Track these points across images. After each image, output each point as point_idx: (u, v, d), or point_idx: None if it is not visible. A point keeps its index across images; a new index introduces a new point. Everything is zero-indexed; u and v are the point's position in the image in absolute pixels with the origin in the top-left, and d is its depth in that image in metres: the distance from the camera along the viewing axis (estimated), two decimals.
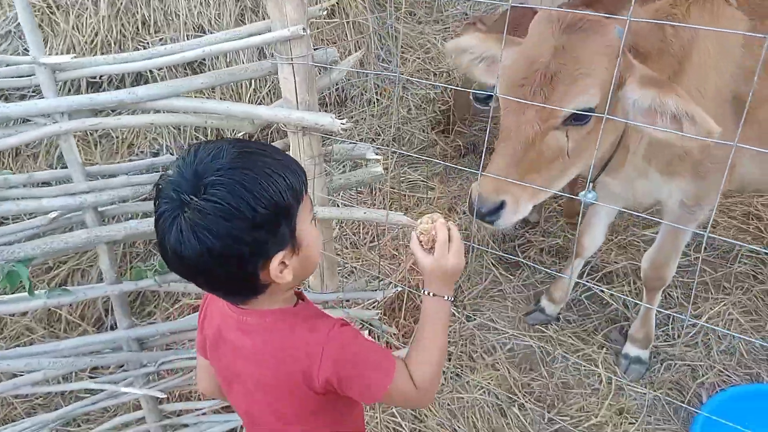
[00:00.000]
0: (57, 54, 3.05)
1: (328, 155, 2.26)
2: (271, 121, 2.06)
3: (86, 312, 3.26)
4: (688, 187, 2.40)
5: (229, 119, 2.10)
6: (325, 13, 2.09)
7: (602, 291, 3.24)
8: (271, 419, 1.35)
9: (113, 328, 3.27)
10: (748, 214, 3.83)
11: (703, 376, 2.95)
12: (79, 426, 2.96)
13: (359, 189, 3.45)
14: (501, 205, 1.91)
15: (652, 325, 2.96)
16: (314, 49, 2.04)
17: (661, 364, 3.01)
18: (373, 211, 2.19)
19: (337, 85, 3.64)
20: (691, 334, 3.15)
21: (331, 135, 2.03)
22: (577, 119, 1.87)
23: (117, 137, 3.09)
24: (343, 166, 3.40)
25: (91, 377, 2.88)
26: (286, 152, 1.29)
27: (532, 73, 1.85)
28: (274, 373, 1.28)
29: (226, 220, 1.08)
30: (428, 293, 1.38)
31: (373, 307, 2.53)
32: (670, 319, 3.21)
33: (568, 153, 1.92)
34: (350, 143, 2.28)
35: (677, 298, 3.34)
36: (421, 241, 1.37)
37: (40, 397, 3.07)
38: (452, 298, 1.41)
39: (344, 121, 1.97)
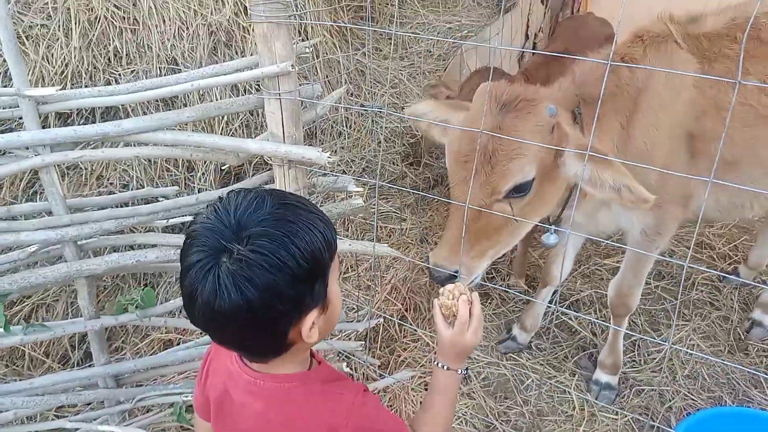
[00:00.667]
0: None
1: (311, 188, 2.28)
2: (258, 154, 2.08)
3: (50, 349, 3.14)
4: (647, 217, 2.53)
5: (215, 152, 2.11)
6: (311, 50, 2.14)
7: (573, 318, 3.33)
8: None
9: (79, 364, 3.17)
10: (701, 243, 4.02)
11: (670, 400, 3.05)
12: None
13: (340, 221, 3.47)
14: (455, 273, 2.08)
15: (620, 351, 3.05)
16: (301, 85, 2.08)
17: (630, 390, 3.10)
18: (358, 242, 2.22)
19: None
20: (656, 360, 3.25)
21: (318, 168, 2.06)
22: (517, 191, 2.05)
23: (85, 168, 3.03)
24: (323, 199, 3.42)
25: (56, 416, 2.78)
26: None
27: (473, 151, 2.00)
28: None
29: (271, 273, 1.05)
30: (442, 366, 1.43)
31: (356, 338, 2.54)
32: (636, 346, 3.32)
33: (516, 219, 2.09)
34: (333, 176, 2.32)
35: (641, 324, 3.46)
36: (443, 314, 1.42)
37: None
38: (464, 372, 1.46)
39: (329, 154, 2.01)
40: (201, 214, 1.13)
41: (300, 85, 2.06)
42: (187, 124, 3.19)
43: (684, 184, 2.48)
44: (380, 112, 3.52)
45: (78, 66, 2.93)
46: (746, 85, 2.39)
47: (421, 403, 2.95)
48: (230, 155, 2.14)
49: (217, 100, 3.13)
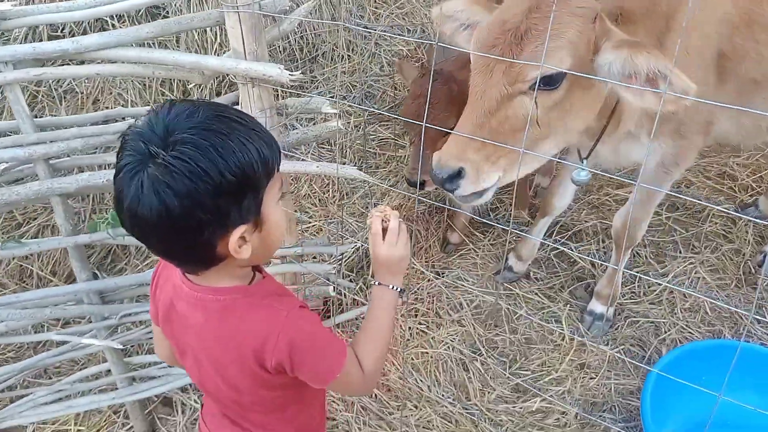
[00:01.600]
0: None
1: (281, 109, 2.23)
2: (218, 71, 2.04)
3: (57, 268, 3.27)
4: (668, 147, 2.38)
5: (177, 70, 2.08)
6: None
7: (570, 250, 3.25)
8: (224, 388, 1.34)
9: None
10: (723, 173, 3.81)
11: (665, 333, 2.98)
12: (50, 377, 3.01)
13: (328, 147, 3.43)
14: (459, 173, 1.80)
15: (619, 283, 2.98)
16: None
17: (625, 321, 3.04)
18: (325, 164, 2.18)
19: (306, 40, 3.59)
20: (656, 292, 3.16)
21: (283, 87, 2.01)
22: (545, 83, 1.75)
23: (81, 93, 3.05)
24: (313, 123, 3.38)
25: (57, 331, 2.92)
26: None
27: (503, 34, 1.75)
28: (224, 351, 1.27)
29: (191, 180, 1.04)
30: (377, 283, 1.43)
31: (332, 262, 2.54)
32: (636, 277, 3.23)
33: (538, 122, 1.80)
34: (307, 97, 2.26)
35: (646, 256, 3.35)
36: (384, 224, 1.41)
37: (12, 350, 3.11)
38: (399, 289, 1.44)
39: (294, 72, 1.95)
40: (138, 119, 1.13)
41: None
42: (178, 45, 3.17)
43: (708, 110, 2.28)
44: (383, 33, 3.40)
45: None
46: None
47: (409, 328, 2.99)
48: (194, 73, 2.09)
49: None
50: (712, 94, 2.24)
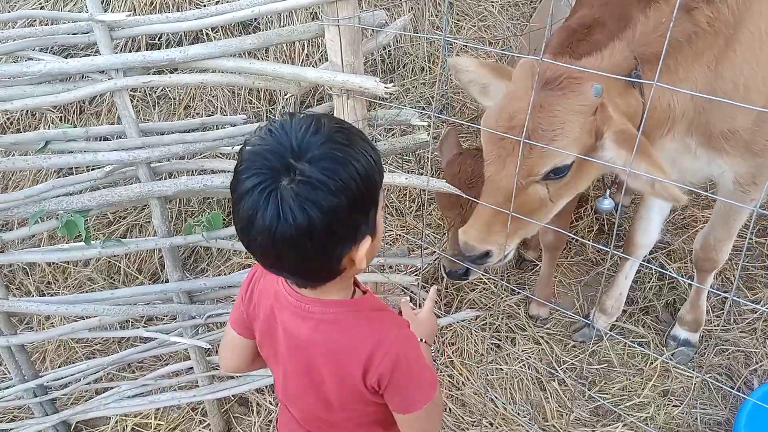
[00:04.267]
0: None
1: (372, 120, 2.26)
2: (316, 83, 2.07)
3: (143, 266, 3.41)
4: (740, 165, 2.27)
5: (276, 80, 2.13)
6: None
7: (668, 272, 3.14)
8: (313, 402, 1.34)
9: (168, 281, 3.42)
10: None
11: (757, 363, 2.83)
12: (133, 372, 3.12)
13: (406, 158, 3.44)
14: (487, 253, 2.06)
15: (703, 308, 2.85)
16: (362, 11, 2.03)
17: (713, 349, 2.91)
18: (414, 176, 2.18)
19: (388, 51, 3.62)
20: (748, 321, 3.02)
21: (376, 99, 2.03)
22: (555, 174, 1.94)
23: (174, 99, 3.18)
24: (392, 134, 3.40)
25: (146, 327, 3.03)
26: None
27: (511, 129, 1.91)
28: (327, 363, 1.26)
29: (335, 195, 1.03)
30: (422, 340, 1.47)
31: (414, 273, 2.54)
32: (727, 303, 3.09)
33: (550, 198, 2.01)
34: (396, 108, 2.27)
35: (735, 281, 3.20)
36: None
37: (99, 343, 3.25)
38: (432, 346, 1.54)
39: (389, 84, 1.97)
40: (253, 138, 1.11)
41: (361, 10, 2.01)
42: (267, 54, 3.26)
43: None
44: (464, 45, 3.39)
45: None
46: None
47: (482, 342, 2.95)
48: (291, 83, 2.14)
49: None
50: None
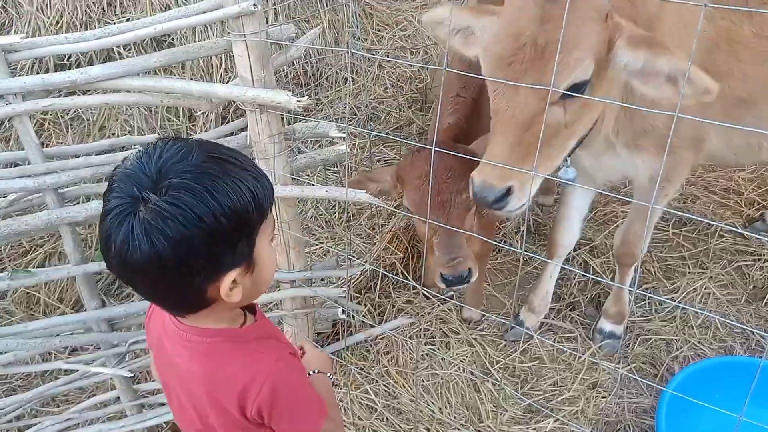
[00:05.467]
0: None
1: (289, 134, 2.24)
2: (227, 99, 2.05)
3: (64, 294, 3.26)
4: (656, 162, 2.38)
5: (185, 98, 2.09)
6: None
7: (588, 276, 3.24)
8: (202, 430, 1.31)
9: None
10: (729, 189, 3.81)
11: (677, 350, 2.95)
12: (58, 406, 2.98)
13: (334, 169, 3.43)
14: (508, 191, 1.83)
15: (626, 300, 2.96)
16: (271, 26, 2.02)
17: (636, 339, 3.02)
18: (335, 189, 2.18)
19: (310, 63, 3.61)
20: (668, 309, 3.14)
21: (290, 113, 2.02)
22: (574, 91, 1.78)
23: (87, 120, 3.07)
24: (319, 145, 3.39)
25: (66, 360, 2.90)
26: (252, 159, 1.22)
27: (520, 49, 1.74)
28: (206, 393, 1.23)
29: (185, 227, 1.00)
30: (316, 371, 1.48)
31: (341, 285, 2.53)
32: (647, 295, 3.21)
33: (566, 125, 1.86)
34: (314, 121, 2.27)
35: (655, 273, 3.33)
36: None
37: (20, 378, 3.09)
38: (331, 377, 1.54)
39: (302, 98, 1.96)
40: (127, 160, 1.08)
41: (270, 25, 2.00)
42: (183, 71, 3.20)
43: (696, 126, 2.28)
44: (385, 59, 3.41)
45: (72, 16, 2.94)
46: (763, 15, 2.19)
47: (416, 348, 2.97)
48: (202, 101, 2.11)
49: None
50: (699, 110, 2.25)
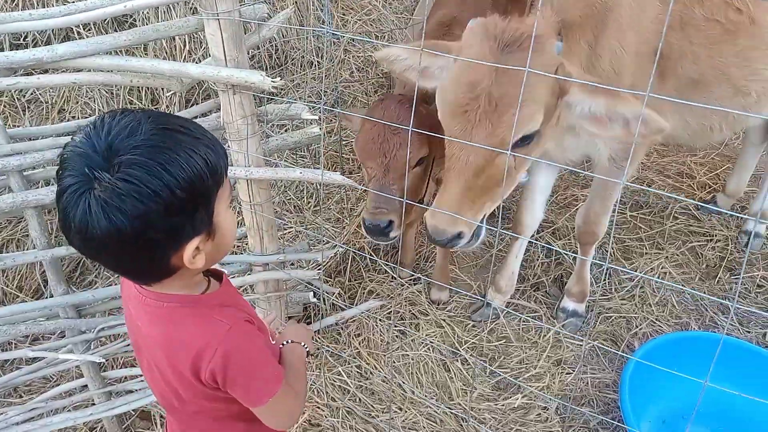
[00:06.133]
0: None
1: (262, 115, 2.23)
2: (199, 79, 2.02)
3: (23, 283, 3.17)
4: (614, 143, 2.46)
5: (156, 78, 2.05)
6: None
7: (551, 249, 3.32)
8: (169, 395, 1.34)
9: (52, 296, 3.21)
10: (682, 173, 3.97)
11: (637, 327, 3.07)
12: (20, 396, 2.91)
13: (302, 153, 3.42)
14: (459, 235, 1.95)
15: (587, 279, 3.06)
16: (242, 5, 2.00)
17: (598, 317, 3.13)
18: (309, 170, 2.18)
19: (274, 46, 3.58)
20: (627, 288, 3.26)
21: (263, 94, 2.01)
22: (524, 141, 1.89)
23: (46, 102, 2.97)
24: (285, 129, 3.36)
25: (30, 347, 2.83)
26: (209, 128, 1.23)
27: (474, 99, 1.80)
28: (165, 357, 1.26)
29: (142, 203, 1.02)
30: (289, 341, 1.53)
31: (315, 268, 2.54)
32: (606, 274, 3.32)
33: (515, 167, 1.98)
34: (286, 103, 2.26)
35: (613, 254, 3.45)
36: None
37: None
38: (307, 348, 1.56)
39: (276, 79, 1.95)
40: (75, 136, 1.08)
41: (241, 4, 1.98)
42: (146, 52, 3.12)
43: (652, 107, 2.39)
44: (351, 40, 3.41)
45: None
46: None
47: (387, 330, 3.01)
48: (173, 81, 2.07)
49: None
50: (653, 91, 2.34)
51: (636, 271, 3.33)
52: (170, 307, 1.23)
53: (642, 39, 2.25)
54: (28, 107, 3.01)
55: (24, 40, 2.95)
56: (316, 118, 2.30)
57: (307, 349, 1.56)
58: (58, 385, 2.70)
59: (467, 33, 1.93)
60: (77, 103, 3.05)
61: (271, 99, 2.13)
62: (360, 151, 2.51)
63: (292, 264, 2.57)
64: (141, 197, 1.01)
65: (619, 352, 2.80)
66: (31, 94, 3.05)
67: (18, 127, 3.07)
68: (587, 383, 2.84)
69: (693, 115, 2.54)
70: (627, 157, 2.52)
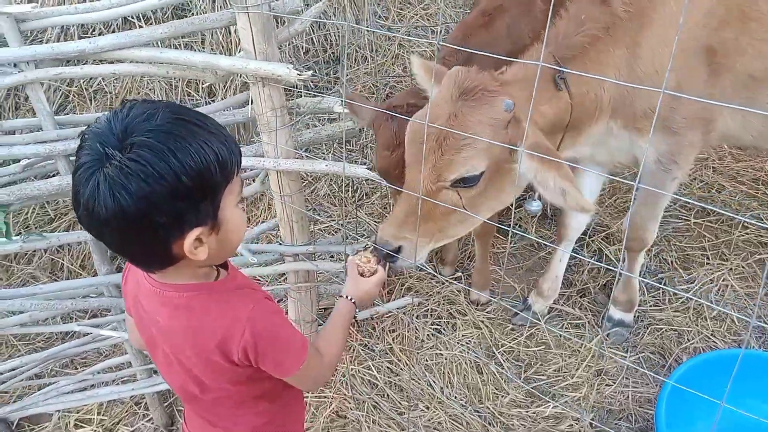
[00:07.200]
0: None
1: (293, 108, 2.26)
2: (229, 71, 2.07)
3: (86, 262, 3.38)
4: (660, 143, 2.32)
5: (190, 69, 2.12)
6: None
7: (600, 255, 3.19)
8: (190, 384, 1.37)
9: None
10: (758, 179, 3.68)
11: (688, 341, 2.89)
12: (76, 368, 3.11)
13: (350, 148, 3.44)
14: (398, 250, 2.07)
15: (636, 288, 2.90)
16: None
17: (647, 328, 2.96)
18: (333, 163, 2.19)
19: (330, 41, 3.61)
20: (681, 300, 3.07)
21: (292, 86, 2.04)
22: (464, 183, 1.99)
23: (111, 92, 3.15)
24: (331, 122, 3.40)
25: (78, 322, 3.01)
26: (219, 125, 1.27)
27: (428, 134, 1.95)
28: (190, 346, 1.29)
29: (147, 183, 1.04)
30: (350, 299, 1.59)
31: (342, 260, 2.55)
32: (662, 283, 3.14)
33: (465, 206, 2.04)
34: (319, 96, 2.28)
35: (672, 262, 3.25)
36: (361, 268, 1.67)
37: (42, 340, 3.22)
38: (357, 309, 1.62)
39: (303, 72, 1.97)
40: (99, 119, 1.13)
41: None
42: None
43: (702, 105, 2.24)
44: (404, 36, 3.39)
45: None
46: None
47: (422, 328, 2.98)
48: (207, 72, 2.14)
49: None
50: (703, 89, 2.20)
51: (694, 282, 3.13)
52: (189, 296, 1.27)
53: (689, 35, 2.11)
54: (95, 97, 3.20)
55: (92, 32, 3.13)
56: (347, 111, 2.30)
57: (357, 309, 1.61)
58: (108, 359, 2.86)
59: (446, 75, 2.08)
60: (138, 94, 3.21)
61: (311, 93, 2.15)
62: (384, 175, 2.52)
63: (331, 256, 2.59)
64: (146, 178, 1.04)
65: (663, 372, 2.64)
66: (98, 84, 3.25)
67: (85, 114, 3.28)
68: (627, 397, 2.70)
69: (755, 115, 2.35)
70: (674, 159, 2.37)
